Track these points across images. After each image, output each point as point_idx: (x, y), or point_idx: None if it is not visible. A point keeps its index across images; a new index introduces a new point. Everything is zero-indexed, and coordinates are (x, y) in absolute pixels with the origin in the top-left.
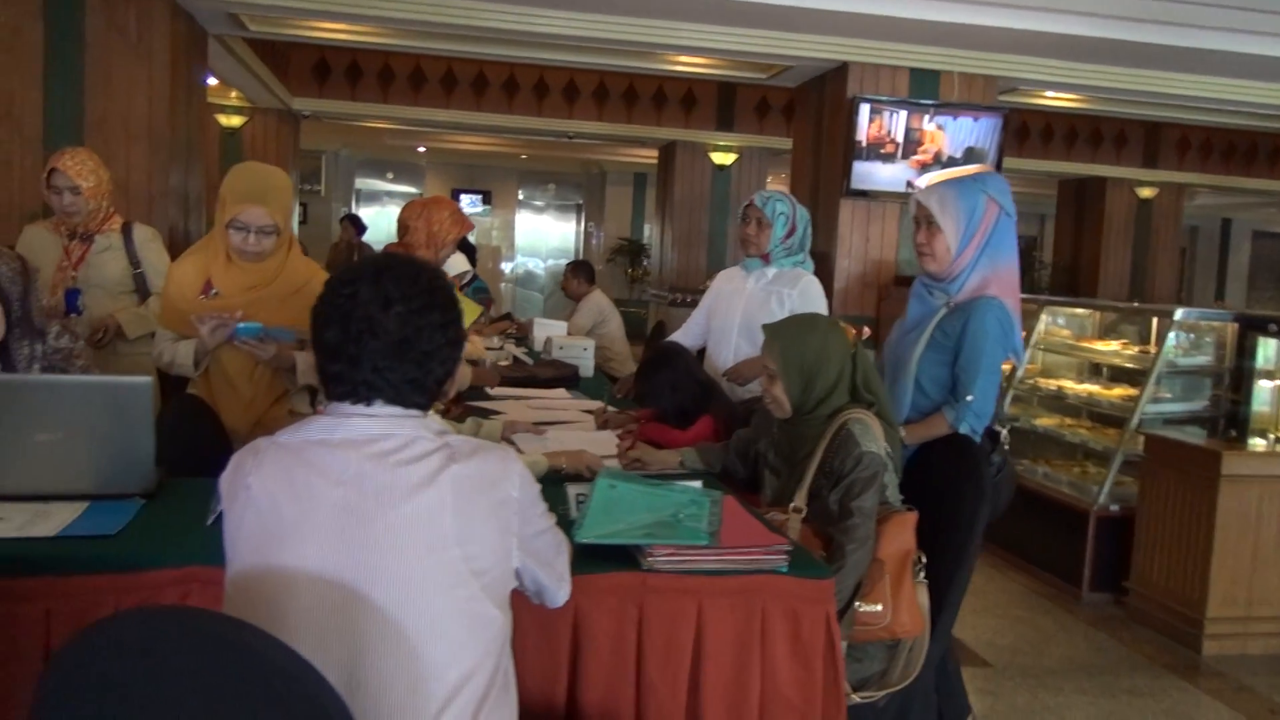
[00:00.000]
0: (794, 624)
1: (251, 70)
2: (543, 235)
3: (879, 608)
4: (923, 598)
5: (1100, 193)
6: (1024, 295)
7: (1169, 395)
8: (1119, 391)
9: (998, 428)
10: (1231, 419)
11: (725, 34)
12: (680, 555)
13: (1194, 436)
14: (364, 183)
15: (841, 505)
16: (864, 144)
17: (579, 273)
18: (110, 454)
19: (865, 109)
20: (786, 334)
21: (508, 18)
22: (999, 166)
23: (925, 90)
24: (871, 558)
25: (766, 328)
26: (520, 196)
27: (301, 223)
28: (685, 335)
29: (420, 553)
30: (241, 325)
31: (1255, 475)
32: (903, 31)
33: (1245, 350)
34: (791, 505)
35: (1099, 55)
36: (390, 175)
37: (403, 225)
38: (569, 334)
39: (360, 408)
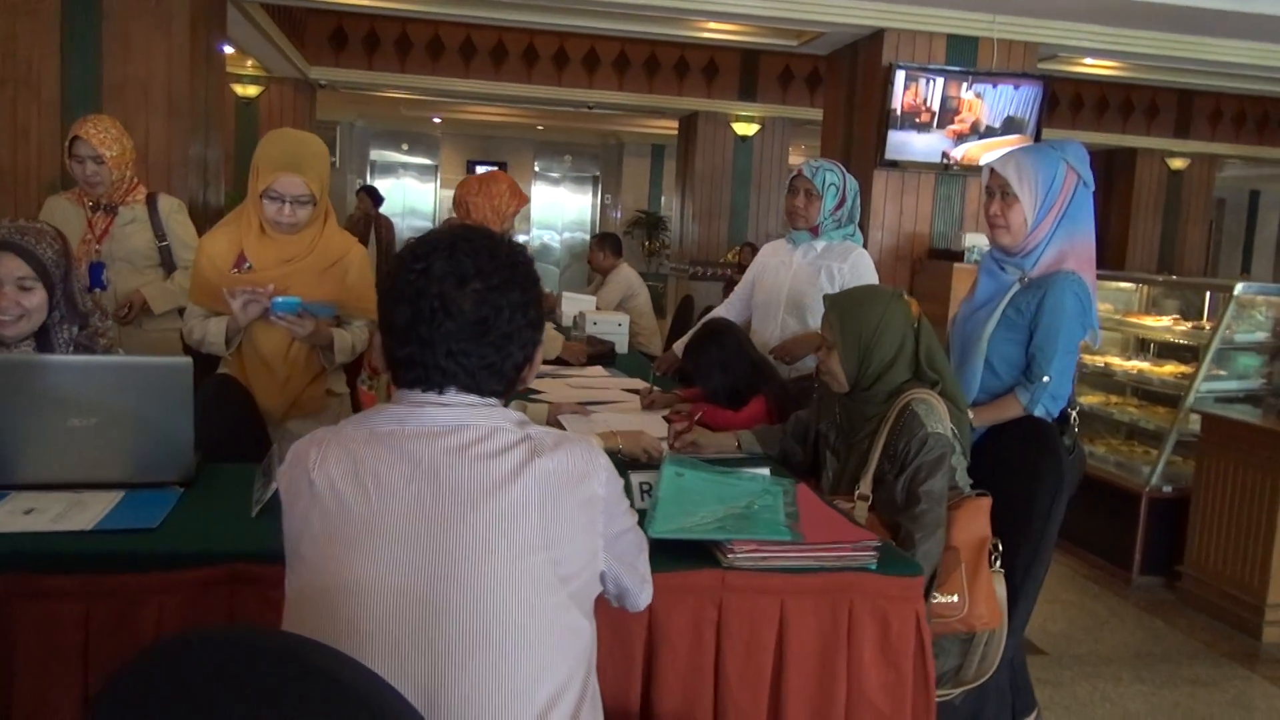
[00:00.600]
0: (882, 624)
1: (269, 38)
2: (559, 208)
3: (955, 598)
4: (1000, 588)
5: (1130, 164)
6: None
7: (1221, 372)
8: (1170, 369)
9: (1068, 409)
10: None
11: None
12: (763, 551)
13: (1248, 415)
14: (379, 154)
15: (909, 491)
16: (898, 113)
17: (605, 245)
18: (147, 440)
19: (901, 76)
20: (846, 304)
21: None
22: (1038, 137)
23: (963, 58)
24: (944, 545)
25: (827, 298)
26: (536, 168)
27: None
28: (728, 310)
29: (505, 557)
30: (279, 300)
31: None
32: None
33: None
34: (856, 493)
35: (1142, 20)
36: (405, 147)
37: (462, 203)
38: (597, 309)
39: (432, 395)
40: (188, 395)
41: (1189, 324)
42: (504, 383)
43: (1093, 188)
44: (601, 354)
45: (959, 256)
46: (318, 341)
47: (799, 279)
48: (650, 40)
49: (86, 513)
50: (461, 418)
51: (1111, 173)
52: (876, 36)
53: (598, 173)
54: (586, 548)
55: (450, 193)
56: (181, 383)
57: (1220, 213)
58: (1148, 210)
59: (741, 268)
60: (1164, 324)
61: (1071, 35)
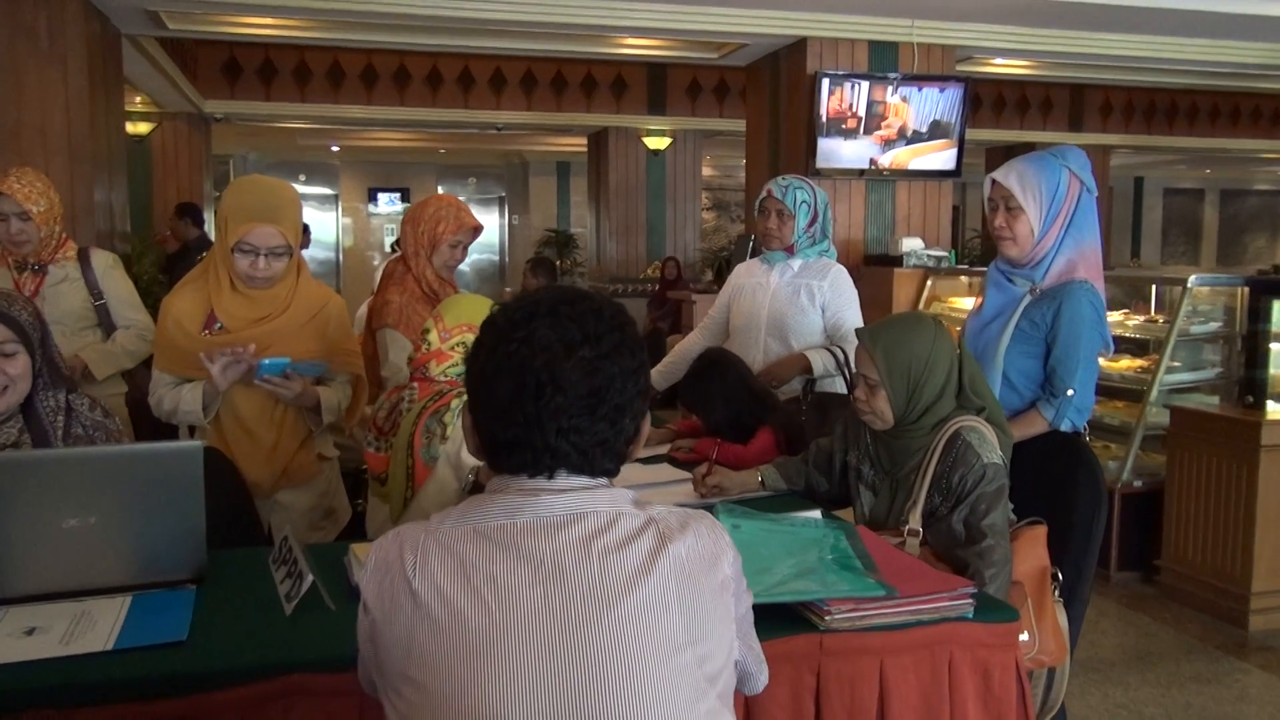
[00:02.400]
0: (983, 676)
1: (164, 72)
2: None
3: (1024, 636)
4: (1063, 618)
5: None
6: (979, 268)
7: (1176, 364)
8: (1125, 363)
9: None
10: (1246, 384)
11: (680, 13)
12: (861, 610)
13: (1208, 405)
14: None
15: (968, 525)
16: (824, 120)
17: (539, 271)
18: (155, 536)
19: (826, 84)
20: (888, 340)
21: (445, 4)
22: (962, 139)
23: (885, 64)
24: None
25: (863, 332)
26: (440, 192)
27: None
28: (703, 336)
29: (651, 662)
30: (265, 362)
31: None
32: (861, 2)
33: (1258, 314)
34: (906, 528)
35: (1050, 18)
36: (303, 177)
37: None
38: None
39: (541, 481)
40: (198, 483)
41: (1141, 318)
42: (617, 460)
43: (1095, 193)
44: None
45: (897, 261)
46: (304, 403)
47: (779, 300)
48: (557, 58)
49: (98, 627)
50: (579, 504)
51: None
52: (799, 45)
53: (503, 193)
54: (726, 638)
55: (349, 220)
56: (190, 470)
57: (1109, 200)
58: None
59: (666, 282)
60: (1116, 319)
61: (986, 36)
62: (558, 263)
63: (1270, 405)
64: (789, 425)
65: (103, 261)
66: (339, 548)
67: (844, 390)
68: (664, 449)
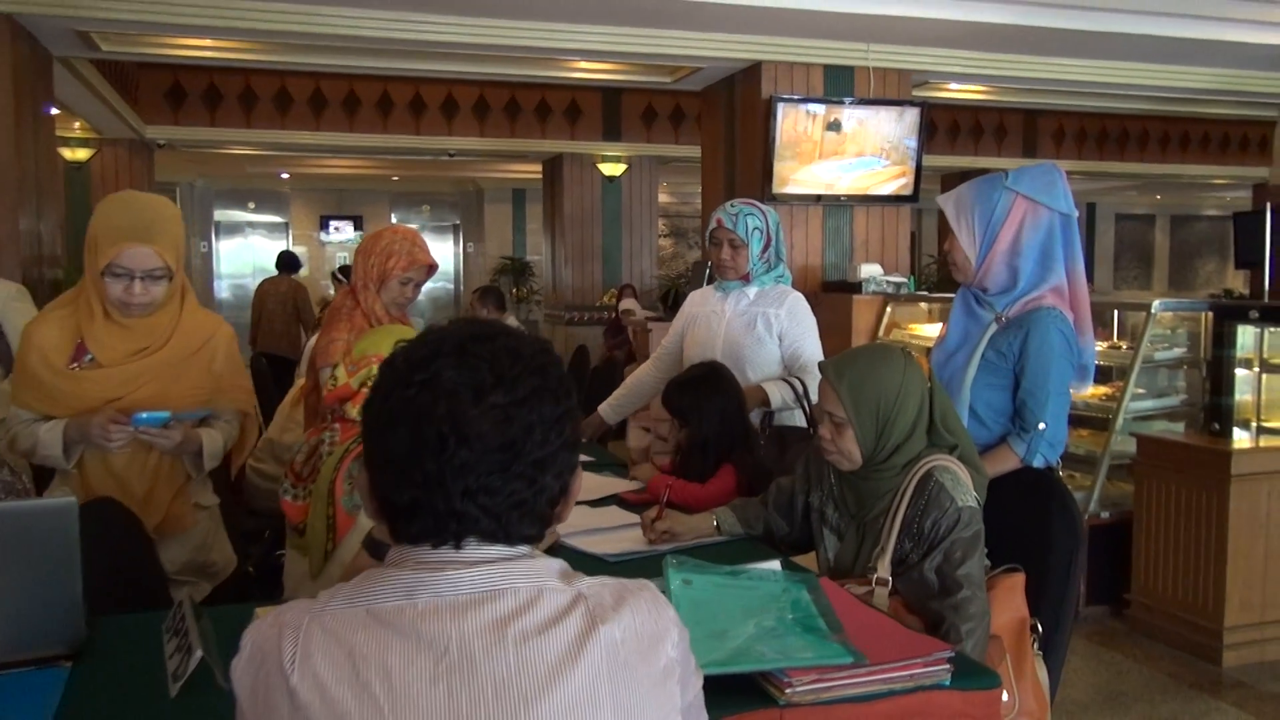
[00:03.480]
0: None
1: (100, 96)
2: None
3: (1005, 697)
4: (1043, 673)
5: None
6: (938, 294)
7: (1141, 390)
8: (1089, 390)
9: None
10: (1212, 411)
11: (633, 36)
12: (825, 681)
13: (1174, 432)
14: (223, 214)
15: (942, 575)
16: (779, 145)
17: (487, 300)
18: (21, 606)
19: (781, 109)
20: (855, 375)
21: (396, 26)
22: (919, 163)
23: (841, 88)
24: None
25: (828, 366)
26: (393, 220)
27: None
28: (656, 366)
29: None
30: (142, 416)
31: (1265, 472)
32: (816, 26)
33: (1222, 340)
34: (875, 576)
35: (1004, 43)
36: (252, 205)
37: None
38: None
39: (447, 552)
40: (72, 543)
41: (1104, 344)
42: (538, 524)
43: (1073, 214)
44: None
45: (856, 288)
46: (186, 450)
47: (734, 329)
48: (510, 83)
49: None
50: (492, 580)
51: None
52: (753, 70)
53: (458, 221)
54: None
55: (301, 249)
56: (65, 528)
57: None
58: None
59: (624, 310)
60: None
61: (942, 61)
62: (513, 290)
63: (1236, 432)
64: (754, 470)
65: (5, 292)
66: (243, 611)
67: (803, 423)
68: (614, 488)
